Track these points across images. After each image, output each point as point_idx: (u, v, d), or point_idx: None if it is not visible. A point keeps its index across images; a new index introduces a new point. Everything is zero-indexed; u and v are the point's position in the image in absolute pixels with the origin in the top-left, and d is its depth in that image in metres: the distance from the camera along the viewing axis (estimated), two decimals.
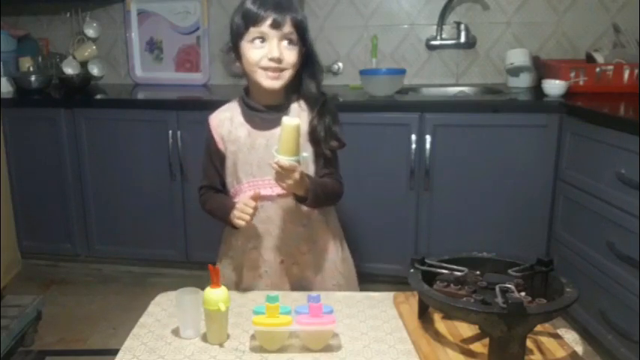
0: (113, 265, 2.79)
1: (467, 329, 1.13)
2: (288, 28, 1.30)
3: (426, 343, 1.09)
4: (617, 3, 2.60)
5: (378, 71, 2.67)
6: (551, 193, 2.23)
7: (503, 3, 2.70)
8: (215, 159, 1.43)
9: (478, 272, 1.15)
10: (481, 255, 1.22)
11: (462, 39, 2.74)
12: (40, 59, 3.01)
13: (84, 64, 3.06)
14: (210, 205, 1.44)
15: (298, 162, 1.23)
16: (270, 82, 1.32)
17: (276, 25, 1.29)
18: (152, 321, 1.23)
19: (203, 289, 1.14)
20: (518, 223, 2.30)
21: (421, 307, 1.18)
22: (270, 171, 1.26)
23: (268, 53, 1.30)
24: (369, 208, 2.37)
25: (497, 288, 1.02)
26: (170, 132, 2.49)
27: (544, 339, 1.11)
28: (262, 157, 1.36)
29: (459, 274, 1.14)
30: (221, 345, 1.13)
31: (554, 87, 2.31)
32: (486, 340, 1.02)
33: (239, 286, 1.44)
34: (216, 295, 1.11)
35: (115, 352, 1.12)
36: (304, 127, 1.34)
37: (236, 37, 1.35)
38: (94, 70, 3.09)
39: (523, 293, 1.08)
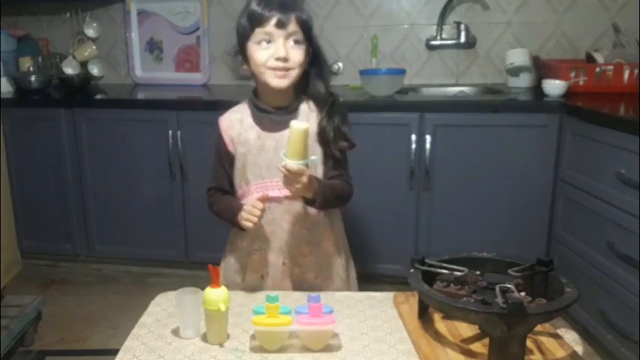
0: (113, 265, 2.79)
1: (467, 329, 1.13)
2: (293, 27, 1.30)
3: (426, 343, 1.09)
4: (617, 3, 2.60)
5: (378, 71, 2.67)
6: (551, 193, 2.23)
7: (503, 3, 2.70)
8: (225, 161, 1.43)
9: (478, 272, 1.15)
10: (481, 255, 1.22)
11: (462, 39, 2.74)
12: (40, 59, 3.01)
13: (84, 64, 3.06)
14: (218, 206, 1.44)
15: (306, 165, 1.22)
16: (278, 81, 1.32)
17: (281, 25, 1.29)
18: (152, 321, 1.23)
19: (203, 289, 1.14)
20: (518, 223, 2.30)
21: (421, 307, 1.18)
22: (278, 173, 1.25)
23: (275, 53, 1.30)
24: (369, 208, 2.37)
25: (497, 288, 1.03)
26: (170, 132, 2.49)
27: (544, 339, 1.11)
28: (271, 159, 1.35)
29: (459, 274, 1.14)
30: (221, 345, 1.13)
31: (554, 87, 2.31)
32: (486, 340, 1.02)
33: (241, 287, 1.44)
34: (216, 295, 1.12)
35: (115, 352, 1.12)
36: (313, 128, 1.33)
37: (242, 39, 1.34)
38: (94, 70, 3.08)
39: (523, 293, 1.08)
